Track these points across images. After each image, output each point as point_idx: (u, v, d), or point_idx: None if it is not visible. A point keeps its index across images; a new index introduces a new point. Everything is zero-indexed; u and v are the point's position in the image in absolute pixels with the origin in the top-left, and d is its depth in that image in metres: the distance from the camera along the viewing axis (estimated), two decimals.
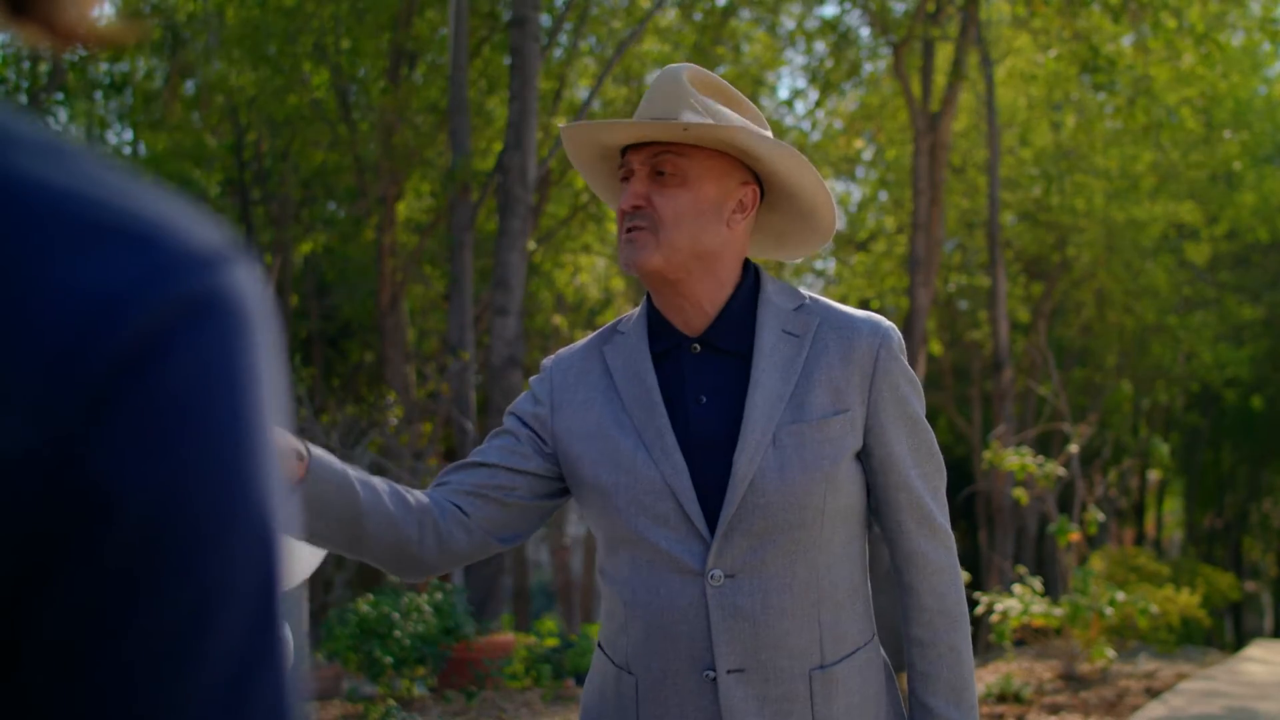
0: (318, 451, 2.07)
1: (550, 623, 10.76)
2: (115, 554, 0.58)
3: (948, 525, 2.33)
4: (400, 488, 2.20)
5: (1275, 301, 25.17)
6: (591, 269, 20.52)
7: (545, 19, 15.31)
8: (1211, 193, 22.51)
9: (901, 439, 2.27)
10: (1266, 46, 21.19)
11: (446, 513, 2.24)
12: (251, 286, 0.64)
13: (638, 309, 2.38)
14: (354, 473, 2.12)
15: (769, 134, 2.31)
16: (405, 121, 15.51)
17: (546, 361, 2.42)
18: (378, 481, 2.17)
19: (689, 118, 2.21)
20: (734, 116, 2.29)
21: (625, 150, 2.30)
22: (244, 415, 0.62)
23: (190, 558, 0.60)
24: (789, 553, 2.18)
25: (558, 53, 17.16)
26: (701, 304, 2.27)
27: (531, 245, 15.05)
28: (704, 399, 2.24)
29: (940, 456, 2.34)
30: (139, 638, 0.59)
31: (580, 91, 18.35)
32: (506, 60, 13.90)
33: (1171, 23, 14.58)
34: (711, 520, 2.19)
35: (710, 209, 2.23)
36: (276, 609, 0.64)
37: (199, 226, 0.63)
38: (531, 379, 2.41)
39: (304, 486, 2.03)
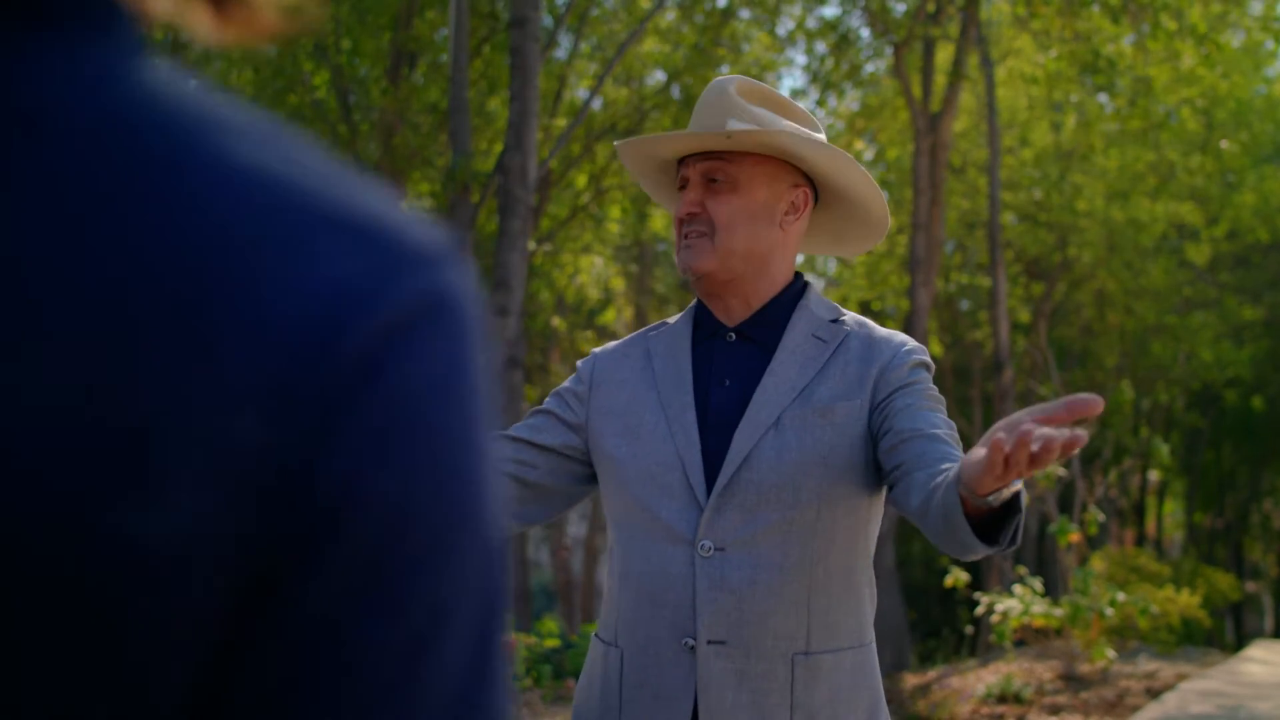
0: None
1: (551, 623, 10.76)
2: (345, 564, 0.56)
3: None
4: None
5: (1276, 302, 25.17)
6: (591, 269, 20.52)
7: (546, 19, 15.32)
8: (1212, 193, 22.50)
9: (913, 401, 2.23)
10: (1270, 44, 21.17)
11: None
12: (472, 286, 0.62)
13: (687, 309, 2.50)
14: None
15: (821, 136, 2.40)
16: (405, 122, 15.51)
17: (595, 349, 2.53)
18: None
19: (734, 126, 2.32)
20: (782, 122, 2.38)
21: (682, 162, 2.42)
22: (473, 421, 0.59)
23: (420, 571, 0.57)
24: (782, 533, 2.22)
25: (559, 53, 17.17)
26: (748, 299, 2.38)
27: (532, 245, 15.05)
28: (728, 382, 2.34)
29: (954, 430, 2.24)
30: (364, 654, 0.56)
31: (581, 92, 18.36)
32: (507, 61, 13.91)
33: (1172, 24, 14.58)
34: (711, 493, 2.25)
35: (762, 212, 2.34)
36: (500, 626, 0.62)
37: (419, 223, 0.60)
38: (583, 361, 2.52)
39: None
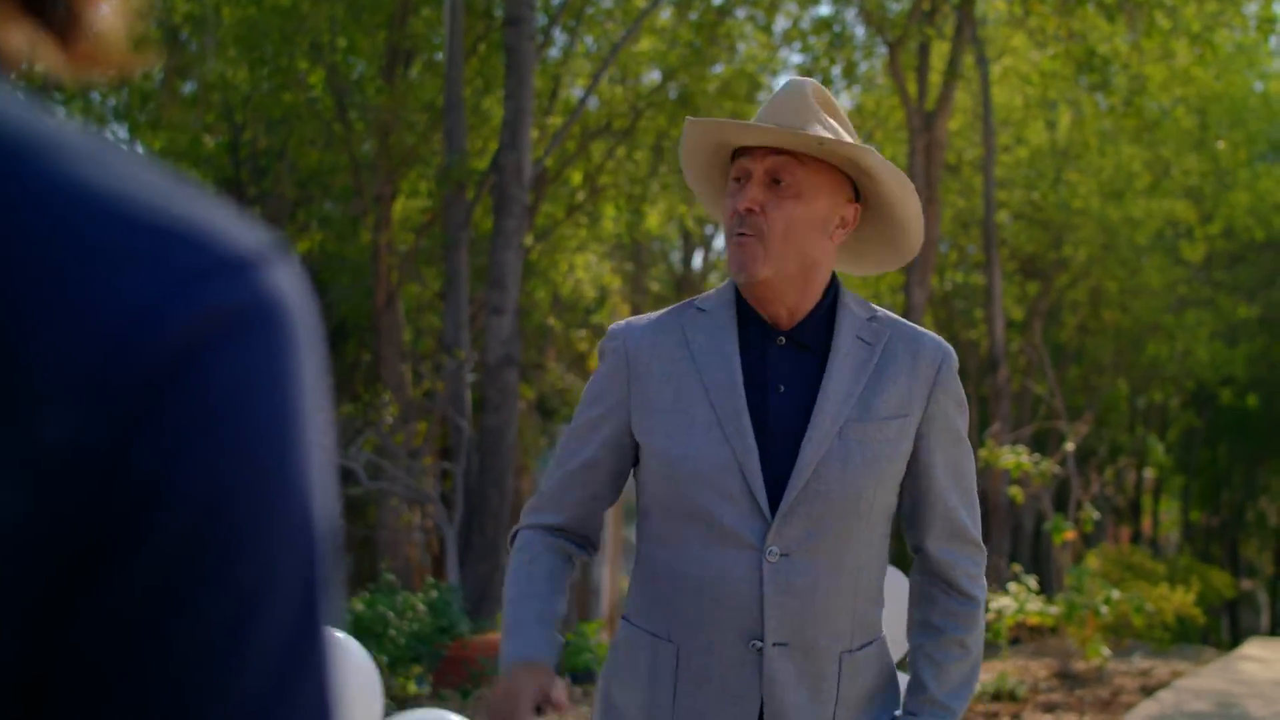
0: (551, 653, 2.35)
1: None
2: (159, 554, 0.59)
3: (979, 538, 2.49)
4: (558, 561, 2.47)
5: (1270, 300, 25.18)
6: (586, 267, 20.52)
7: (541, 18, 15.31)
8: (1206, 191, 22.51)
9: (946, 451, 2.42)
10: (1274, 42, 21.16)
11: (575, 555, 2.51)
12: (294, 287, 0.64)
13: (718, 290, 2.49)
14: (553, 609, 2.41)
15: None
16: (401, 120, 15.50)
17: (616, 329, 2.49)
18: (554, 578, 2.45)
19: (817, 131, 2.32)
20: (848, 134, 2.41)
21: (737, 152, 2.41)
22: (288, 416, 0.62)
23: (234, 558, 0.60)
24: (840, 540, 2.32)
25: (553, 52, 17.16)
26: (794, 306, 2.40)
27: (527, 243, 15.05)
28: (783, 388, 2.38)
29: (974, 475, 2.48)
30: (182, 637, 0.59)
31: (576, 90, 18.35)
32: (502, 59, 13.90)
33: (1166, 23, 14.58)
34: (774, 501, 2.30)
35: (819, 223, 2.36)
36: (321, 610, 0.64)
37: (241, 228, 0.63)
38: (603, 349, 2.49)
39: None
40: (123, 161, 0.62)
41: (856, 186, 2.44)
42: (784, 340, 2.40)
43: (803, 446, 2.31)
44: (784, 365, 2.39)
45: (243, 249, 0.62)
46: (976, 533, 2.47)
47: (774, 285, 2.36)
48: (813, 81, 2.42)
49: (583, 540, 2.51)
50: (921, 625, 2.47)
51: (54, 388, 0.57)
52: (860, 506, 2.32)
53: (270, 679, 0.62)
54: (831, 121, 2.38)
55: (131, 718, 0.59)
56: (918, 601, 2.50)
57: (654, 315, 2.50)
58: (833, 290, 2.45)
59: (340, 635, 3.71)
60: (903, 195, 2.42)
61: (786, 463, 2.32)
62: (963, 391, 2.46)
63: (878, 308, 2.48)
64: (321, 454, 0.65)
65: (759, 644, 2.29)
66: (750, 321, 2.42)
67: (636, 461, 2.48)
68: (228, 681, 0.60)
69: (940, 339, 2.45)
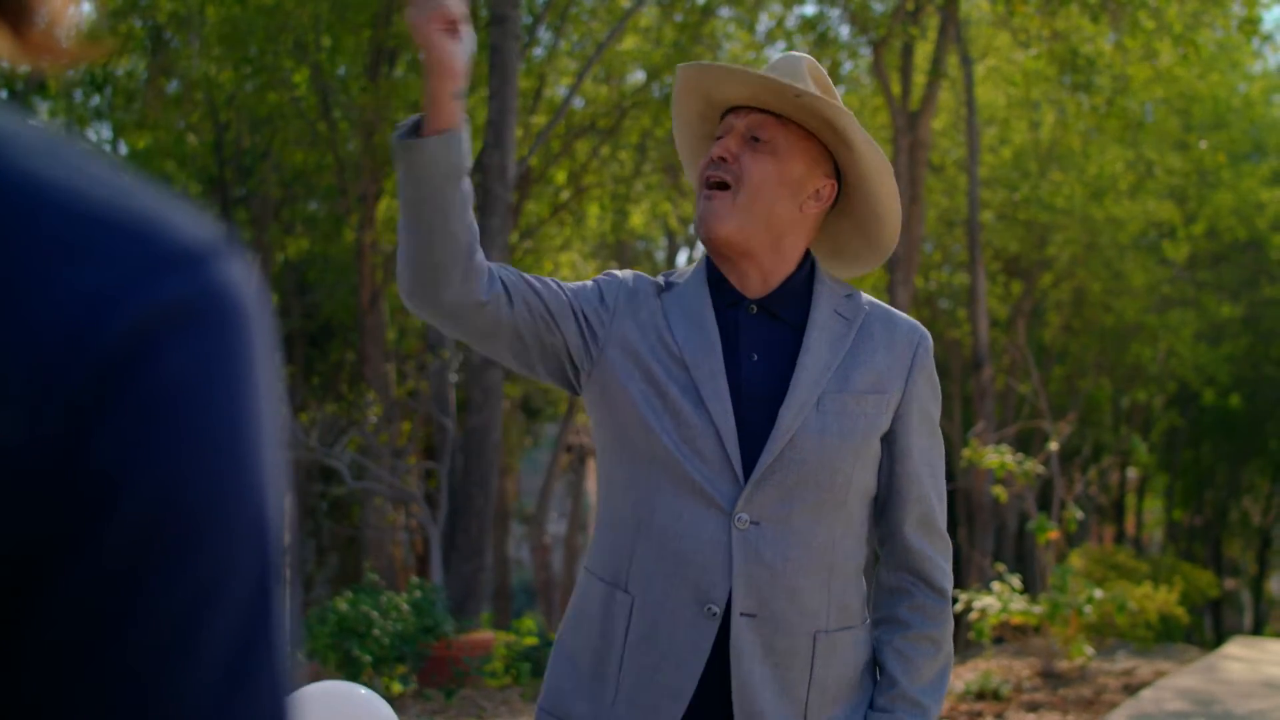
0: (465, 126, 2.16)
1: (530, 621, 10.76)
2: (113, 548, 0.59)
3: (945, 529, 2.46)
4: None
5: (1253, 300, 25.24)
6: (571, 266, 20.51)
7: (525, 17, 15.29)
8: (1189, 191, 22.56)
9: (922, 436, 2.41)
10: (1256, 43, 21.21)
11: (488, 272, 2.25)
12: (244, 280, 0.64)
13: (692, 266, 2.47)
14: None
15: None
16: (385, 120, 15.47)
17: (616, 273, 2.45)
18: None
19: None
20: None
21: (727, 114, 2.42)
22: (240, 409, 0.62)
23: (188, 550, 0.60)
24: (813, 513, 2.29)
25: (538, 51, 17.14)
26: (764, 274, 2.39)
27: (513, 240, 15.04)
28: (756, 356, 2.35)
29: (944, 468, 2.47)
30: (137, 631, 0.59)
31: (560, 89, 18.34)
32: (486, 58, 13.88)
33: (1150, 23, 14.61)
34: (748, 467, 2.27)
35: (791, 185, 2.35)
36: (273, 601, 0.65)
37: (191, 222, 0.63)
38: (602, 278, 2.43)
39: (447, 134, 2.13)
40: (74, 156, 0.62)
41: (837, 167, 2.42)
42: (755, 309, 2.38)
43: (780, 413, 2.28)
44: (756, 333, 2.37)
45: (194, 243, 0.62)
46: (944, 522, 2.45)
47: (740, 246, 2.34)
48: (810, 58, 2.42)
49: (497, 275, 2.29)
50: (888, 620, 2.42)
51: (4, 383, 0.57)
52: (836, 479, 2.29)
53: (223, 672, 0.62)
54: (821, 93, 2.37)
55: (87, 710, 0.59)
56: (883, 596, 2.45)
57: (640, 274, 2.45)
58: (808, 264, 2.43)
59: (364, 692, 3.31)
60: (879, 172, 2.40)
61: (762, 429, 2.29)
62: (937, 377, 2.45)
63: (854, 288, 2.47)
64: (274, 447, 0.65)
65: (714, 609, 2.24)
66: (723, 290, 2.39)
67: (578, 390, 2.39)
68: (182, 674, 0.61)
69: (916, 322, 2.45)
